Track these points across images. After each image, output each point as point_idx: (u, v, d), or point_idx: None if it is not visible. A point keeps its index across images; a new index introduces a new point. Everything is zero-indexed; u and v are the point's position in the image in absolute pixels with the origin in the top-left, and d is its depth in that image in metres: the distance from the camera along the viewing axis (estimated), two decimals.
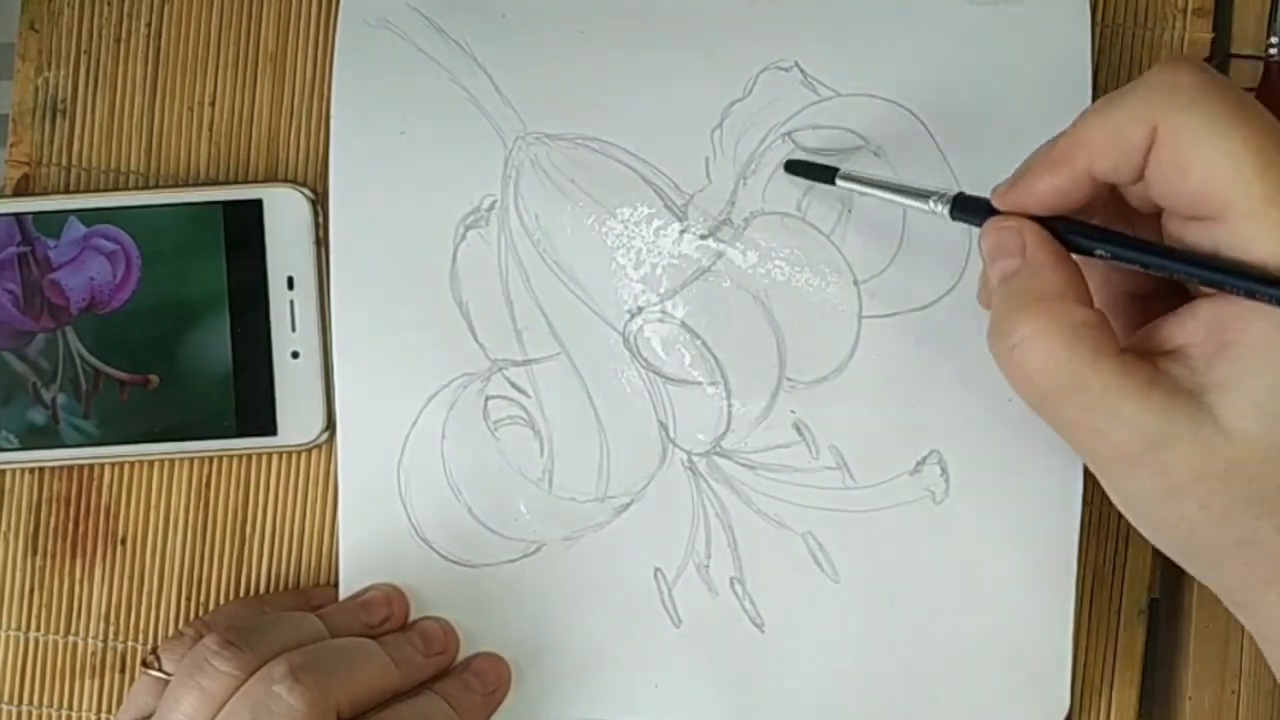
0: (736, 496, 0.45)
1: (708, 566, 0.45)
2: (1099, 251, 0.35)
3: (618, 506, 0.45)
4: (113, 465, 0.46)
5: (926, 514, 0.44)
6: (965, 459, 0.44)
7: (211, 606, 0.46)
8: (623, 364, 0.45)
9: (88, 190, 0.47)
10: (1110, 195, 0.37)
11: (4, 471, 0.46)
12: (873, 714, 0.44)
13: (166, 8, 0.47)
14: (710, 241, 0.45)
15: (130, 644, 0.46)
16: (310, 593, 0.46)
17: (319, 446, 0.46)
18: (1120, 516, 0.37)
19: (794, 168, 0.44)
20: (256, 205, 0.46)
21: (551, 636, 0.45)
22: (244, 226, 0.46)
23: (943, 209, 0.39)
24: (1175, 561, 0.36)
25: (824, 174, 0.43)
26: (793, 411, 0.44)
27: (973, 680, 0.44)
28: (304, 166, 0.47)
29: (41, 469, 0.46)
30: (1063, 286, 0.35)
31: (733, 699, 0.44)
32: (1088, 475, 0.43)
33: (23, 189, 0.47)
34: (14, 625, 0.46)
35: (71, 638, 0.46)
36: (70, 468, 0.46)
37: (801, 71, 0.45)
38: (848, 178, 0.42)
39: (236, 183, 0.47)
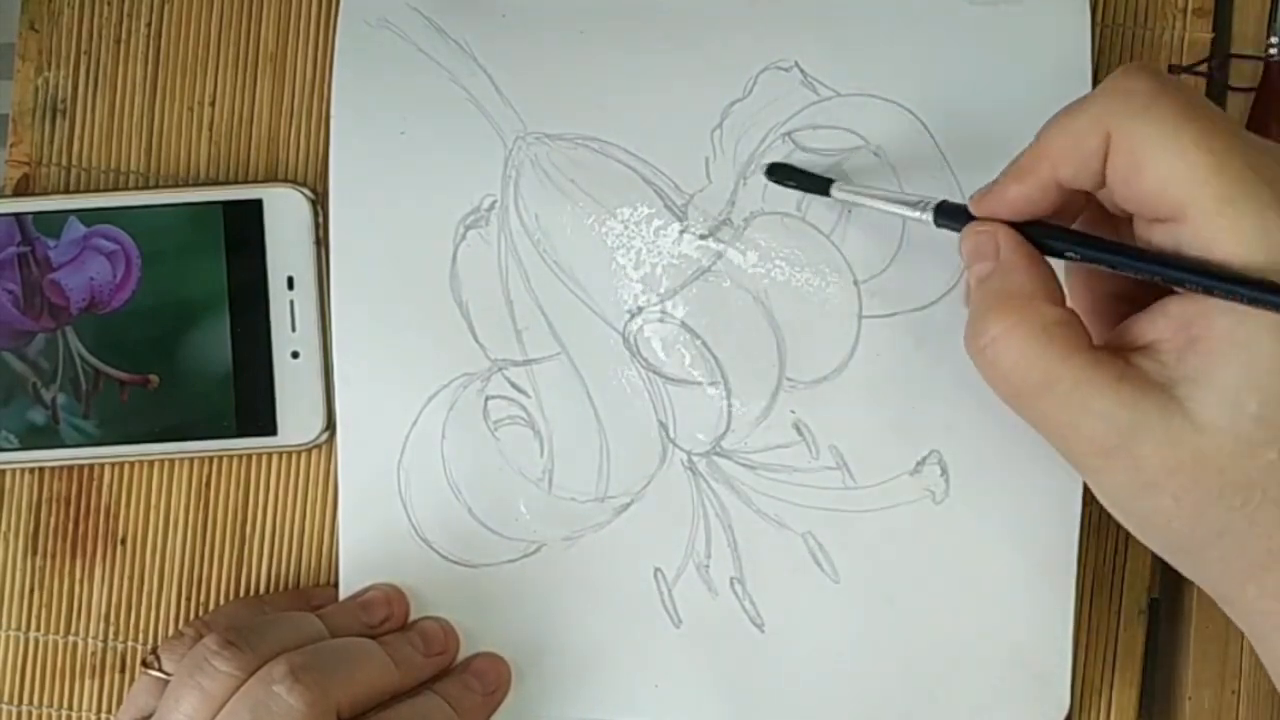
0: (736, 496, 0.45)
1: (708, 566, 0.45)
2: (1069, 253, 0.36)
3: (618, 506, 0.45)
4: (113, 465, 0.46)
5: (926, 514, 0.44)
6: (965, 459, 0.44)
7: (211, 606, 0.46)
8: (623, 364, 0.45)
9: (88, 190, 0.47)
10: (1090, 199, 0.38)
11: (4, 471, 0.46)
12: (873, 714, 0.44)
13: (166, 8, 0.47)
14: (710, 241, 0.45)
15: (130, 644, 0.46)
16: (310, 593, 0.46)
17: (319, 446, 0.46)
18: None
19: (781, 174, 0.44)
20: (256, 205, 0.46)
21: (551, 636, 0.45)
22: (244, 226, 0.46)
23: (927, 216, 0.40)
24: (1161, 556, 0.37)
25: (817, 184, 0.43)
26: (793, 411, 0.44)
27: (973, 680, 0.44)
28: (304, 166, 0.47)
29: (41, 469, 0.46)
30: (1034, 287, 0.36)
31: (733, 699, 0.44)
32: None
33: (23, 189, 0.47)
34: (14, 625, 0.46)
35: (71, 638, 0.46)
36: (70, 468, 0.46)
37: (801, 71, 0.45)
38: (842, 189, 0.42)
39: (236, 183, 0.47)
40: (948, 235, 0.44)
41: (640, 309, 0.45)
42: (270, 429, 0.46)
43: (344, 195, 0.45)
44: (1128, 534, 0.45)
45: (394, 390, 0.45)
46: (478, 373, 0.45)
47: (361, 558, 0.45)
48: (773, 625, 0.44)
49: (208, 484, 0.46)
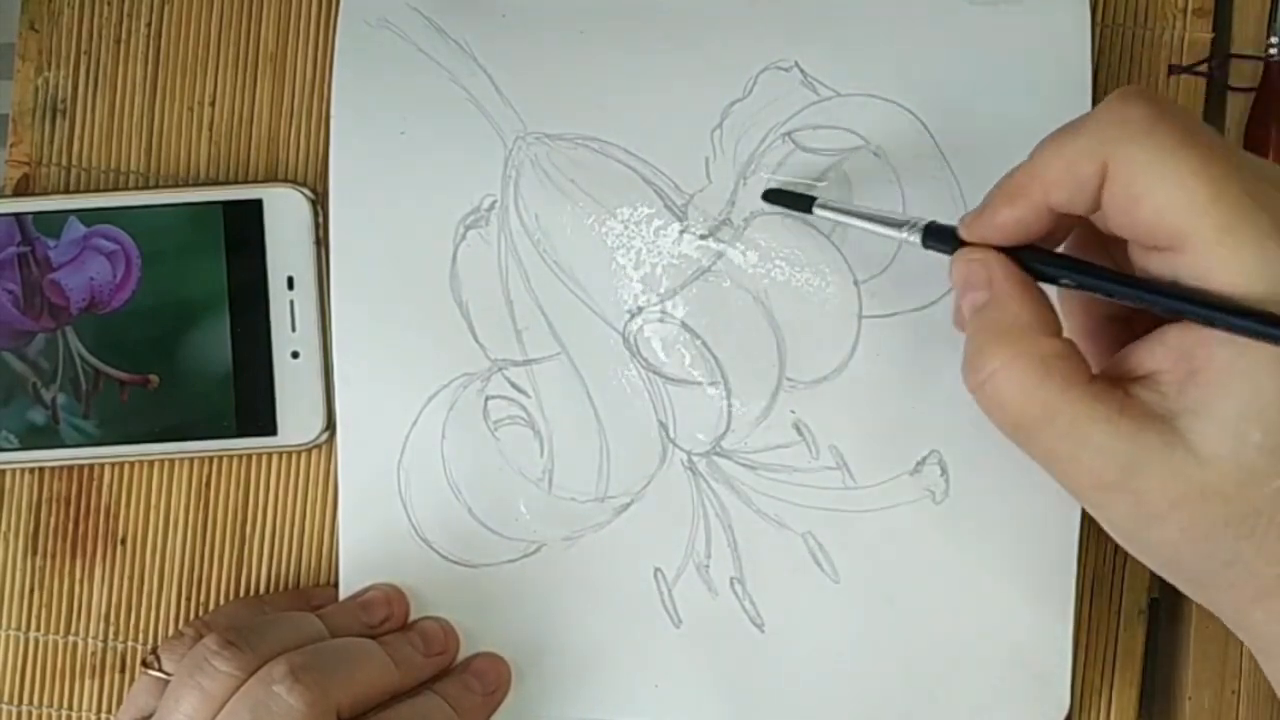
0: (736, 496, 0.45)
1: (708, 566, 0.45)
2: (1064, 280, 0.36)
3: (618, 506, 0.45)
4: (113, 465, 0.46)
5: (926, 514, 0.44)
6: (965, 459, 0.44)
7: (211, 606, 0.46)
8: (623, 364, 0.45)
9: (88, 190, 0.47)
10: (1083, 221, 0.37)
11: (4, 471, 0.46)
12: (873, 714, 0.44)
13: (166, 8, 0.47)
14: (710, 241, 0.45)
15: (130, 644, 0.46)
16: (310, 593, 0.46)
17: (319, 446, 0.46)
18: None
19: (772, 197, 0.44)
20: (256, 205, 0.46)
21: (551, 636, 0.45)
22: (244, 226, 0.46)
23: (915, 238, 0.39)
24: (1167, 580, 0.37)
25: (801, 203, 0.43)
26: (793, 411, 0.44)
27: (973, 680, 0.44)
28: (304, 166, 0.47)
29: (41, 469, 0.46)
30: (1029, 319, 0.35)
31: (733, 699, 0.44)
32: None
33: (23, 189, 0.47)
34: (14, 625, 0.46)
35: (71, 638, 0.46)
36: (70, 468, 0.46)
37: (801, 71, 0.45)
38: (825, 207, 0.42)
39: (236, 183, 0.47)
40: None
41: (640, 309, 0.45)
42: (270, 429, 0.46)
43: (344, 195, 0.45)
44: None
45: (394, 390, 0.45)
46: (478, 373, 0.45)
47: (361, 558, 0.45)
48: (773, 625, 0.44)
49: (208, 484, 0.47)
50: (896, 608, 0.44)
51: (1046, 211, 0.36)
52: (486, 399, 0.45)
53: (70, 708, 0.46)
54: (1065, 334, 0.37)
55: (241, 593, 0.46)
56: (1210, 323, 0.32)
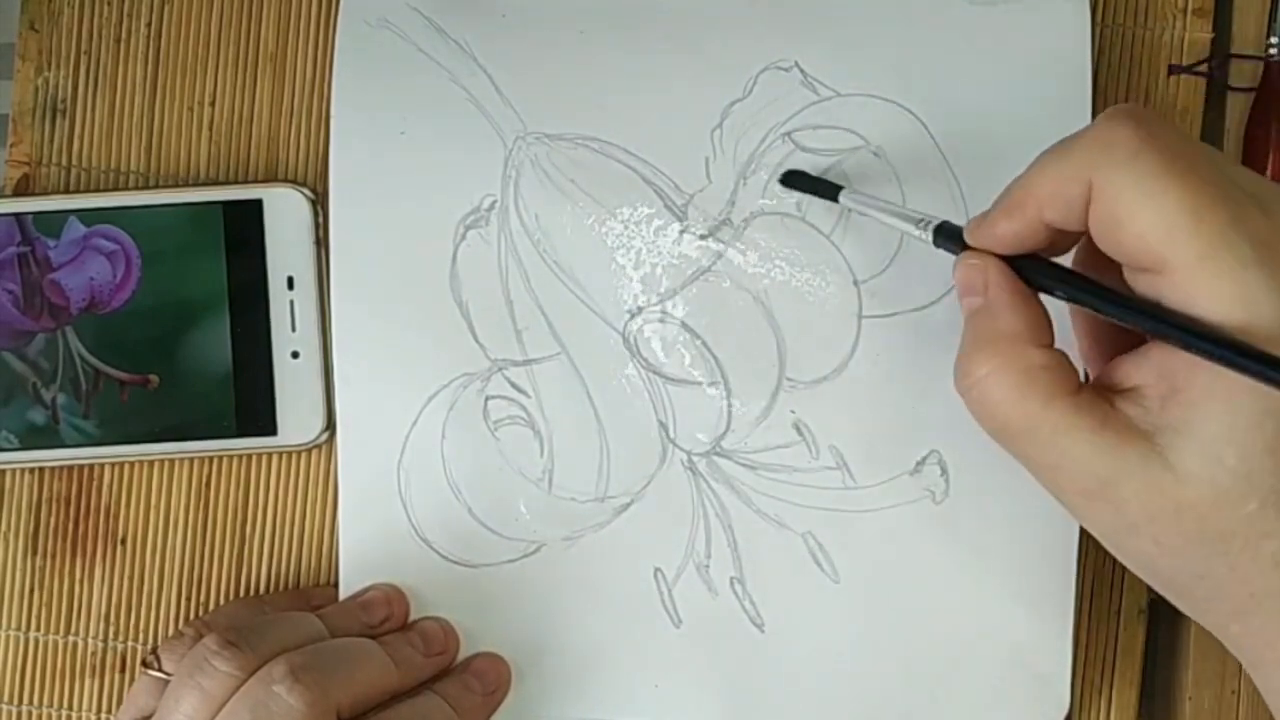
0: (736, 496, 0.45)
1: (708, 566, 0.45)
2: (1057, 292, 0.36)
3: (618, 506, 0.45)
4: (113, 465, 0.46)
5: (926, 514, 0.44)
6: (965, 459, 0.44)
7: (211, 606, 0.46)
8: (623, 364, 0.45)
9: (88, 190, 0.47)
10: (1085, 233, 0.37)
11: (4, 471, 0.46)
12: (873, 714, 0.44)
13: (166, 8, 0.47)
14: (710, 241, 0.45)
15: (130, 644, 0.46)
16: (310, 593, 0.46)
17: (319, 446, 0.46)
18: None
19: (793, 180, 0.44)
20: (256, 205, 0.46)
21: (551, 636, 0.45)
22: (244, 226, 0.46)
23: (927, 236, 0.39)
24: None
25: (827, 190, 0.43)
26: (793, 411, 0.44)
27: (973, 680, 0.44)
28: (304, 166, 0.47)
29: (41, 469, 0.46)
30: (1019, 328, 0.36)
31: (733, 699, 0.44)
32: None
33: (23, 189, 0.47)
34: (14, 625, 0.46)
35: (71, 638, 0.46)
36: (70, 468, 0.46)
37: (801, 71, 0.45)
38: (850, 197, 0.42)
39: (236, 183, 0.47)
40: None
41: (640, 309, 0.45)
42: (270, 429, 0.46)
43: (344, 195, 0.45)
44: None
45: (394, 390, 0.45)
46: (478, 373, 0.45)
47: (361, 558, 0.45)
48: (773, 625, 0.44)
49: (208, 484, 0.47)
50: (896, 608, 0.44)
51: (1042, 226, 0.36)
52: (486, 399, 0.45)
53: (70, 708, 0.46)
54: (1075, 331, 0.38)
55: (241, 593, 0.46)
56: (1188, 347, 0.32)
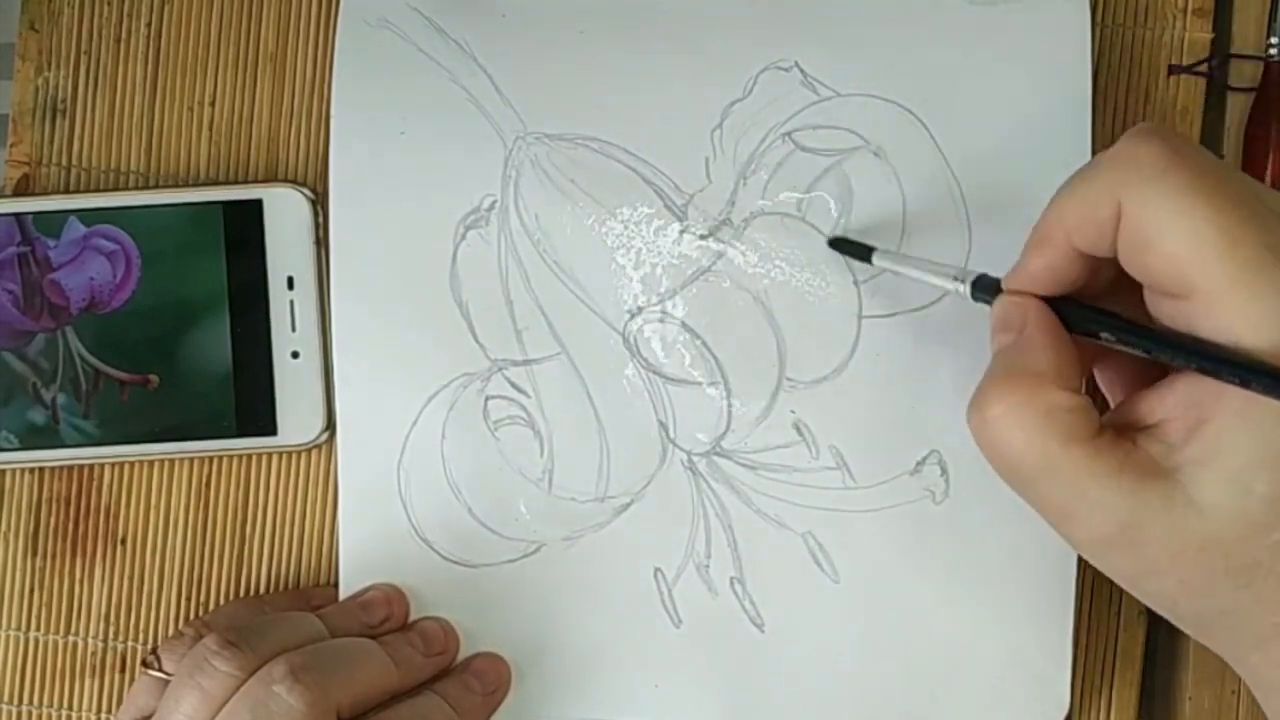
0: (736, 496, 0.45)
1: (708, 566, 0.45)
2: (1104, 335, 0.35)
3: (618, 506, 0.45)
4: (113, 465, 0.46)
5: (926, 514, 0.44)
6: (965, 459, 0.44)
7: (211, 606, 0.46)
8: (623, 364, 0.45)
9: (88, 190, 0.47)
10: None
11: (4, 471, 0.46)
12: (873, 714, 0.44)
13: (166, 8, 0.47)
14: (710, 241, 0.45)
15: (130, 644, 0.46)
16: (310, 593, 0.46)
17: (319, 446, 0.46)
18: None
19: (837, 246, 0.44)
20: (256, 205, 0.46)
21: (551, 636, 0.45)
22: (244, 226, 0.46)
23: (964, 289, 0.39)
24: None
25: (861, 252, 0.43)
26: (793, 411, 0.44)
27: (973, 680, 0.44)
28: (304, 166, 0.47)
29: (41, 469, 0.46)
30: (1047, 367, 0.34)
31: (733, 699, 0.44)
32: None
33: (23, 189, 0.47)
34: (14, 625, 0.46)
35: (71, 638, 0.46)
36: (70, 468, 0.46)
37: (801, 71, 0.45)
38: (883, 258, 0.42)
39: (236, 183, 0.47)
40: (947, 236, 0.44)
41: (640, 309, 0.45)
42: (270, 429, 0.46)
43: (344, 195, 0.45)
44: None
45: (394, 390, 0.45)
46: (478, 373, 0.45)
47: (361, 558, 0.45)
48: (773, 625, 0.44)
49: (208, 484, 0.46)
50: (896, 608, 0.44)
51: (1076, 256, 0.35)
52: (486, 399, 0.45)
53: (70, 708, 0.46)
54: (1095, 365, 0.37)
55: (241, 593, 0.46)
56: (1245, 384, 0.31)
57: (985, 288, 0.38)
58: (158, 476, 0.47)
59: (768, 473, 0.44)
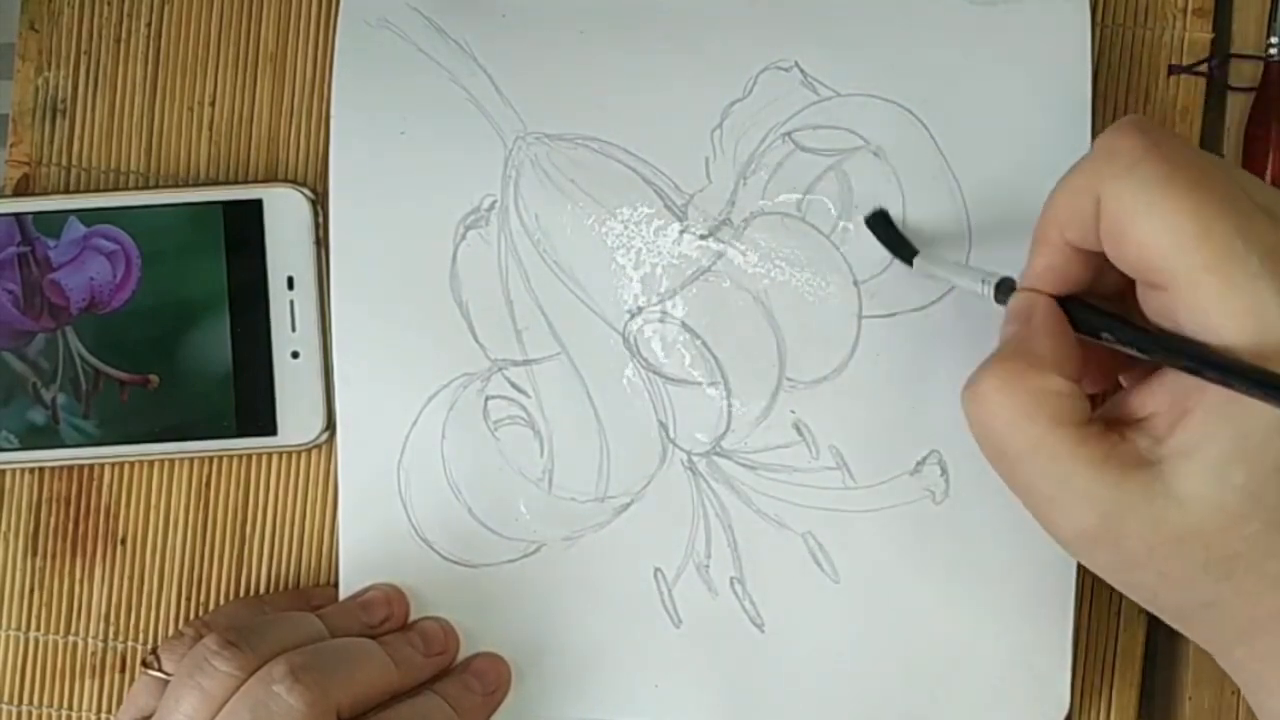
0: (736, 496, 0.45)
1: (708, 566, 0.45)
2: (1104, 335, 0.35)
3: (618, 506, 0.45)
4: (113, 465, 0.46)
5: (926, 514, 0.44)
6: (965, 459, 0.44)
7: (211, 606, 0.46)
8: (623, 364, 0.45)
9: (88, 190, 0.47)
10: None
11: (4, 471, 0.46)
12: (873, 714, 0.44)
13: (166, 8, 0.47)
14: (710, 241, 0.45)
15: (130, 644, 0.46)
16: (310, 593, 0.46)
17: (319, 446, 0.46)
18: None
19: (876, 225, 0.44)
20: (256, 205, 0.46)
21: (551, 636, 0.45)
22: (244, 226, 0.46)
23: (989, 292, 0.39)
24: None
25: (902, 249, 0.43)
26: (793, 411, 0.44)
27: (973, 680, 0.44)
28: (304, 166, 0.47)
29: (41, 469, 0.46)
30: (1044, 353, 0.35)
31: (733, 699, 0.44)
32: None
33: (23, 189, 0.47)
34: (14, 625, 0.46)
35: (71, 638, 0.46)
36: (70, 468, 0.46)
37: (801, 71, 0.45)
38: (924, 260, 0.42)
39: (236, 183, 0.47)
40: (948, 236, 0.44)
41: (640, 309, 0.45)
42: (270, 429, 0.46)
43: (344, 195, 0.45)
44: None
45: (394, 390, 0.45)
46: (478, 373, 0.45)
47: (361, 558, 0.45)
48: (773, 625, 0.44)
49: (208, 484, 0.47)
50: (896, 608, 0.44)
51: (1073, 252, 0.35)
52: (486, 399, 0.45)
53: (70, 708, 0.46)
54: (1088, 360, 0.37)
55: (241, 593, 0.46)
56: (1200, 374, 0.32)
57: (1007, 290, 0.38)
58: (158, 476, 0.47)
59: (768, 473, 0.44)
